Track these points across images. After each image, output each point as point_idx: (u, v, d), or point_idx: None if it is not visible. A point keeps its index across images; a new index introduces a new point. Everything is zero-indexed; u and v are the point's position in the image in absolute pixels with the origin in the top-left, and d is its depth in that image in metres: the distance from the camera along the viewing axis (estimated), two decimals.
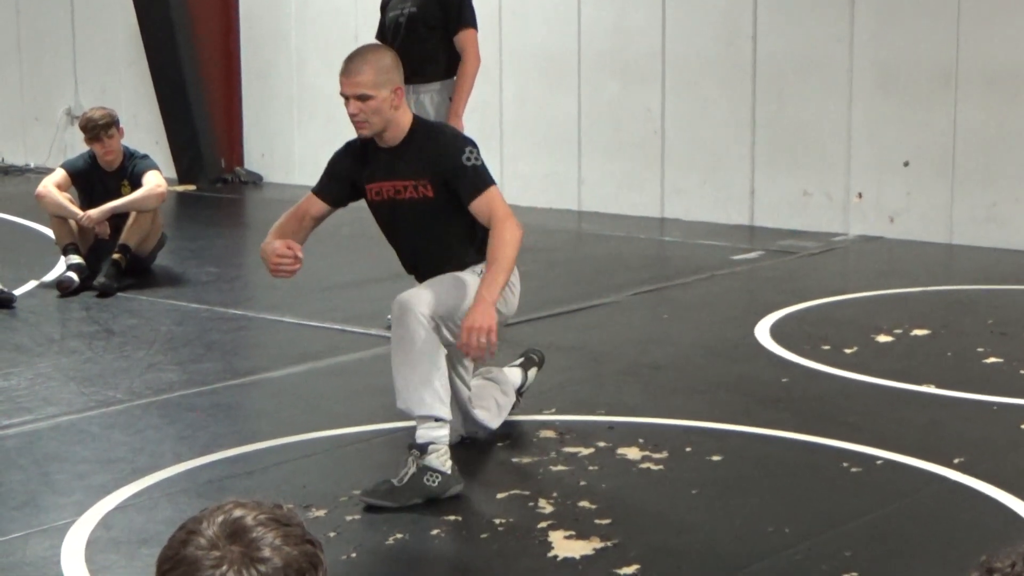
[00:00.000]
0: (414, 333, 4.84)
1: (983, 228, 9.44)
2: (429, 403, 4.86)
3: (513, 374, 5.73)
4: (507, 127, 11.34)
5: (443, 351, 4.95)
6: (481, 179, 5.02)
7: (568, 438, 5.54)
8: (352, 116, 5.08)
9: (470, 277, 5.08)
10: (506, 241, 4.89)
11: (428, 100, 7.20)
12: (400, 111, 5.10)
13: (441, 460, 4.87)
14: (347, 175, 5.24)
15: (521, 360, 5.87)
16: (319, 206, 5.27)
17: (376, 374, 6.47)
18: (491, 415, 5.49)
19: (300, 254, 5.11)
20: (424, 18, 7.16)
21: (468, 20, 7.22)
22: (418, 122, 5.18)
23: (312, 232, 5.33)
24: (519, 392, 5.73)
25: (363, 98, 5.03)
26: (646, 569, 4.29)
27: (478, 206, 4.99)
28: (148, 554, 4.37)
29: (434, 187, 5.04)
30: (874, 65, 9.74)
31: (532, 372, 5.83)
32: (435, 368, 4.87)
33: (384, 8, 7.45)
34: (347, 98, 5.09)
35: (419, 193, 5.07)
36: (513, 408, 5.74)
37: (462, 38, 7.19)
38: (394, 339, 4.93)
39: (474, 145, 5.11)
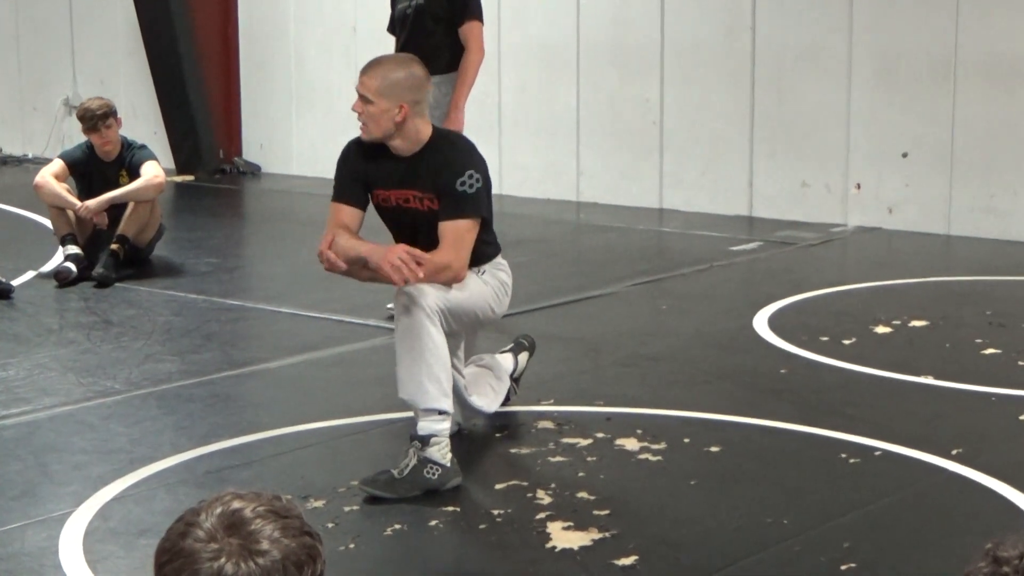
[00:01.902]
0: (421, 325, 4.84)
1: (982, 219, 9.43)
2: (434, 396, 4.87)
3: (505, 359, 5.74)
4: (506, 118, 11.34)
5: (446, 344, 4.96)
6: (461, 207, 4.99)
7: (566, 429, 5.54)
8: (357, 115, 5.09)
9: (471, 276, 5.11)
10: (433, 266, 4.88)
11: (434, 91, 7.17)
12: (410, 125, 5.04)
13: (441, 453, 4.88)
14: (357, 176, 5.18)
15: (511, 346, 5.88)
16: (350, 212, 5.15)
17: (374, 365, 6.48)
18: (488, 400, 5.50)
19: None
20: (430, 10, 7.15)
21: (474, 12, 7.21)
22: (436, 136, 5.13)
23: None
24: (513, 378, 5.74)
25: (365, 100, 5.03)
26: (644, 560, 4.29)
27: (442, 228, 4.99)
28: (146, 545, 4.37)
29: (439, 201, 5.05)
30: (873, 56, 9.73)
31: (523, 357, 5.83)
32: (440, 361, 4.88)
33: (394, 0, 7.43)
34: (358, 95, 5.09)
35: (424, 206, 5.05)
36: (511, 397, 5.76)
37: (467, 30, 7.18)
38: (400, 330, 4.91)
39: (479, 168, 5.06)
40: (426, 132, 5.10)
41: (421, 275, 4.81)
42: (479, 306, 5.15)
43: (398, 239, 5.20)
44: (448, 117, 7.08)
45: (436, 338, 4.86)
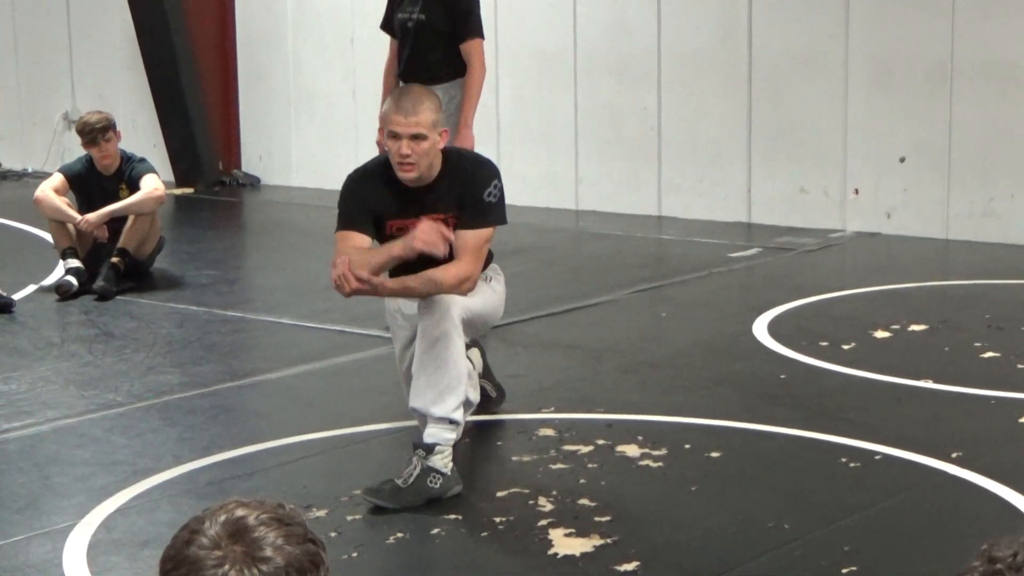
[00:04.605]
0: (450, 336, 4.87)
1: (980, 223, 9.45)
2: (451, 407, 4.90)
3: None
4: (504, 126, 11.35)
5: (466, 355, 5.00)
6: (486, 216, 5.05)
7: (567, 436, 5.55)
8: (403, 157, 4.95)
9: (482, 284, 5.15)
10: (445, 276, 4.89)
11: None
12: (439, 152, 5.08)
13: (444, 462, 4.90)
14: (367, 208, 5.09)
15: None
16: (361, 239, 5.05)
17: (375, 375, 6.49)
18: (470, 393, 5.46)
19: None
20: (431, 25, 7.16)
21: (475, 30, 7.23)
22: (448, 156, 5.13)
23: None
24: (481, 376, 5.74)
25: (418, 138, 4.95)
26: (646, 566, 4.31)
27: (464, 236, 5.00)
28: (150, 556, 4.39)
29: (460, 218, 5.07)
30: (869, 61, 9.75)
31: (474, 354, 5.73)
32: (462, 374, 4.92)
33: (394, 3, 7.40)
34: (397, 137, 4.96)
35: (448, 226, 5.07)
36: (494, 397, 5.86)
37: (468, 47, 7.21)
38: (427, 339, 4.90)
39: (499, 177, 5.13)
40: (440, 156, 5.11)
41: (450, 240, 4.85)
42: (490, 314, 5.24)
43: (411, 267, 5.14)
44: (459, 134, 7.11)
45: (460, 349, 4.91)
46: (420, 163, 4.97)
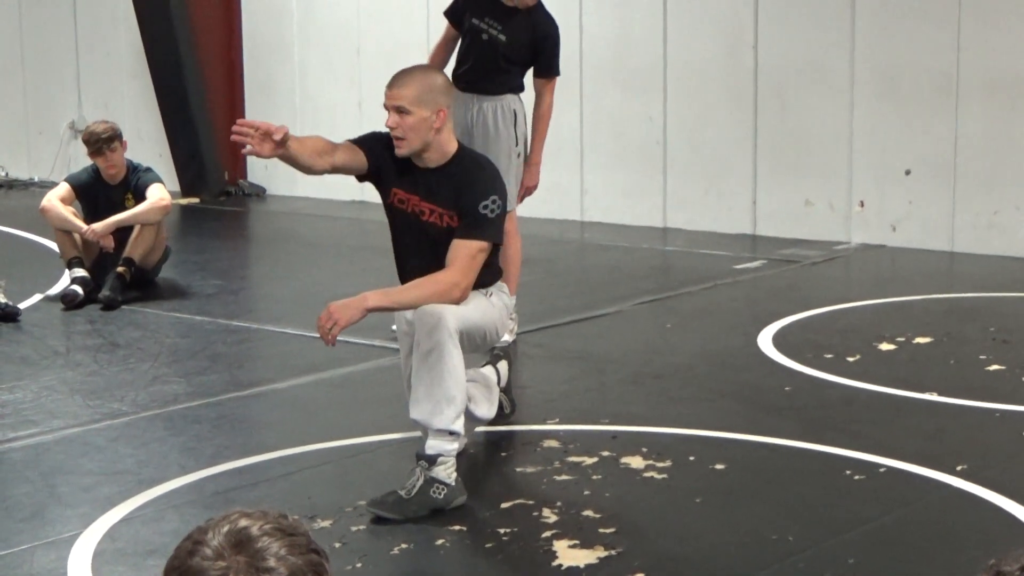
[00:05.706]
0: (445, 347, 4.86)
1: (985, 236, 9.45)
2: (450, 418, 4.90)
3: (487, 370, 5.71)
4: None
5: (463, 365, 4.99)
6: (480, 229, 5.02)
7: (572, 448, 5.55)
8: (391, 130, 5.05)
9: (482, 298, 5.14)
10: (434, 282, 4.92)
11: (490, 109, 7.17)
12: (443, 136, 5.07)
13: (448, 472, 4.90)
14: (382, 158, 5.13)
15: (486, 361, 5.87)
16: (351, 148, 5.11)
17: (380, 385, 6.50)
18: (485, 408, 5.45)
19: (276, 137, 5.19)
20: (509, 53, 7.14)
21: (557, 68, 7.29)
22: (462, 152, 5.15)
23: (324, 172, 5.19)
24: (502, 389, 5.74)
25: (401, 111, 5.01)
26: None
27: (457, 246, 5.00)
28: (154, 565, 4.39)
29: (459, 219, 5.06)
30: (875, 73, 9.76)
31: (503, 366, 5.78)
32: (459, 383, 4.91)
33: (471, 3, 7.27)
34: (387, 110, 5.06)
35: (443, 222, 5.06)
36: (506, 411, 5.83)
37: (546, 85, 7.27)
38: (421, 350, 4.91)
39: (501, 195, 5.08)
40: (452, 145, 5.12)
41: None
42: (489, 328, 5.19)
43: (402, 249, 5.20)
44: (527, 171, 7.21)
45: (456, 359, 4.90)
46: (409, 138, 5.01)
